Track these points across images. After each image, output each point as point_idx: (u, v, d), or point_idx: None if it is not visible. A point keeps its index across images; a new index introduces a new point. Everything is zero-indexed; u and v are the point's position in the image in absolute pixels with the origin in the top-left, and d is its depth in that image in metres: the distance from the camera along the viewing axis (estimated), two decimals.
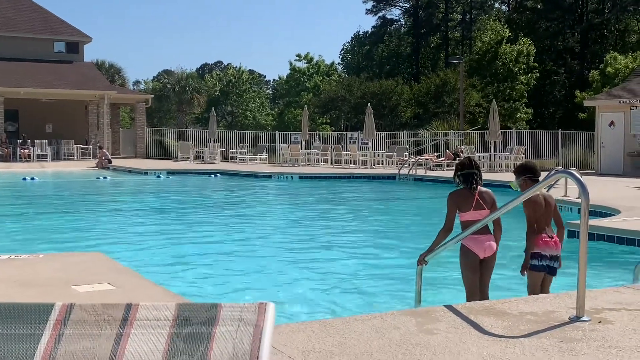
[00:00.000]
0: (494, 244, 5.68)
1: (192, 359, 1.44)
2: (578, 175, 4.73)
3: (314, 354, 3.62)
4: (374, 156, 28.73)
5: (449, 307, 4.67)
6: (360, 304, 7.12)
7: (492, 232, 5.72)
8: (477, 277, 5.68)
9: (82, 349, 1.47)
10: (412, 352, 3.65)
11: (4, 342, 1.48)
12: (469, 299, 5.65)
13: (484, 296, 5.67)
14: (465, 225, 5.62)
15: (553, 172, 6.39)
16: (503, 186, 17.45)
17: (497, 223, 5.74)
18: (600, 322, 4.29)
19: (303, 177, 24.71)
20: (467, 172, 5.73)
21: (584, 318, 4.31)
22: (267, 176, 25.28)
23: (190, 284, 7.95)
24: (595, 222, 10.00)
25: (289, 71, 59.29)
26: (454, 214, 5.72)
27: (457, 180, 5.83)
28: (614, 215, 11.59)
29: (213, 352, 1.45)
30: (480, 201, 5.67)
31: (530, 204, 5.65)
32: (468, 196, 5.68)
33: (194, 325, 1.50)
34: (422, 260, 5.87)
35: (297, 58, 59.05)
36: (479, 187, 5.74)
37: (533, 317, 4.38)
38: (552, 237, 5.78)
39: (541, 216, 5.76)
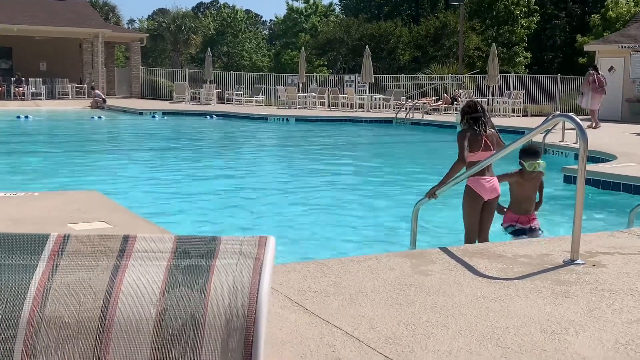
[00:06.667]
0: (498, 186, 5.71)
1: (192, 291, 1.43)
2: (577, 119, 4.69)
3: (310, 293, 3.65)
4: (371, 100, 28.54)
5: (444, 249, 4.70)
6: (356, 246, 7.16)
7: (494, 174, 5.74)
8: (477, 218, 5.72)
9: (78, 280, 1.46)
10: (406, 293, 3.67)
11: None
12: (467, 239, 5.70)
13: (484, 238, 5.71)
14: (472, 166, 5.61)
15: (551, 116, 6.37)
16: (499, 130, 17.41)
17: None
18: (594, 265, 4.32)
19: (299, 120, 24.60)
20: (476, 115, 5.70)
21: (578, 261, 4.34)
22: (264, 118, 25.17)
23: (186, 222, 7.98)
24: (592, 167, 10.01)
25: (286, 11, 58.37)
26: (466, 147, 5.65)
27: (464, 122, 5.80)
28: (610, 160, 11.61)
29: (213, 284, 1.44)
30: (488, 142, 5.68)
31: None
32: (476, 137, 5.67)
33: (193, 257, 1.49)
34: (432, 194, 5.77)
35: None
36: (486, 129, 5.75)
37: (527, 260, 4.41)
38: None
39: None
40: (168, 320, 1.41)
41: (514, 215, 6.27)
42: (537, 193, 6.40)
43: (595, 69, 20.11)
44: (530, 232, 6.23)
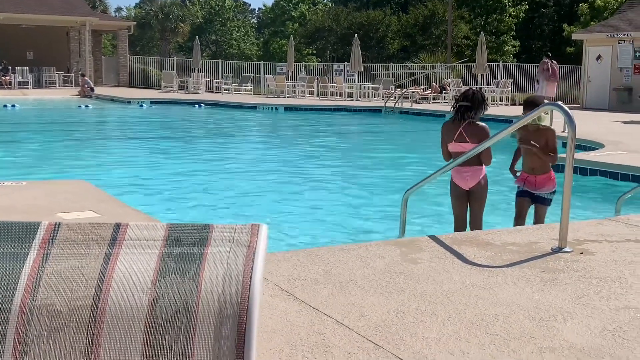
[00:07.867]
0: (478, 175, 5.67)
1: (184, 279, 1.43)
2: (565, 108, 4.71)
3: (300, 281, 3.66)
4: (360, 88, 28.52)
5: (433, 237, 4.71)
6: (346, 234, 7.18)
7: (481, 164, 5.69)
8: (463, 207, 5.76)
9: (70, 268, 1.46)
10: (395, 281, 3.69)
11: None
12: (456, 228, 5.77)
13: (476, 227, 5.72)
14: (453, 156, 5.65)
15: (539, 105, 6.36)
16: (487, 119, 17.46)
17: (486, 156, 5.66)
18: (582, 253, 4.35)
19: (288, 108, 24.56)
20: (460, 104, 5.70)
21: (566, 249, 4.37)
22: (252, 107, 25.11)
23: (175, 212, 7.97)
24: (579, 155, 10.07)
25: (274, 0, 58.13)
26: (444, 144, 5.76)
27: (452, 109, 5.84)
28: (598, 149, 11.68)
29: (205, 272, 1.45)
30: (464, 134, 5.61)
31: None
32: (452, 128, 5.67)
33: (185, 245, 1.49)
34: None
35: None
36: (475, 121, 5.67)
37: (516, 248, 4.44)
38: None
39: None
40: (160, 308, 1.42)
41: (523, 174, 5.90)
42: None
43: (549, 57, 20.23)
44: (536, 201, 5.87)
